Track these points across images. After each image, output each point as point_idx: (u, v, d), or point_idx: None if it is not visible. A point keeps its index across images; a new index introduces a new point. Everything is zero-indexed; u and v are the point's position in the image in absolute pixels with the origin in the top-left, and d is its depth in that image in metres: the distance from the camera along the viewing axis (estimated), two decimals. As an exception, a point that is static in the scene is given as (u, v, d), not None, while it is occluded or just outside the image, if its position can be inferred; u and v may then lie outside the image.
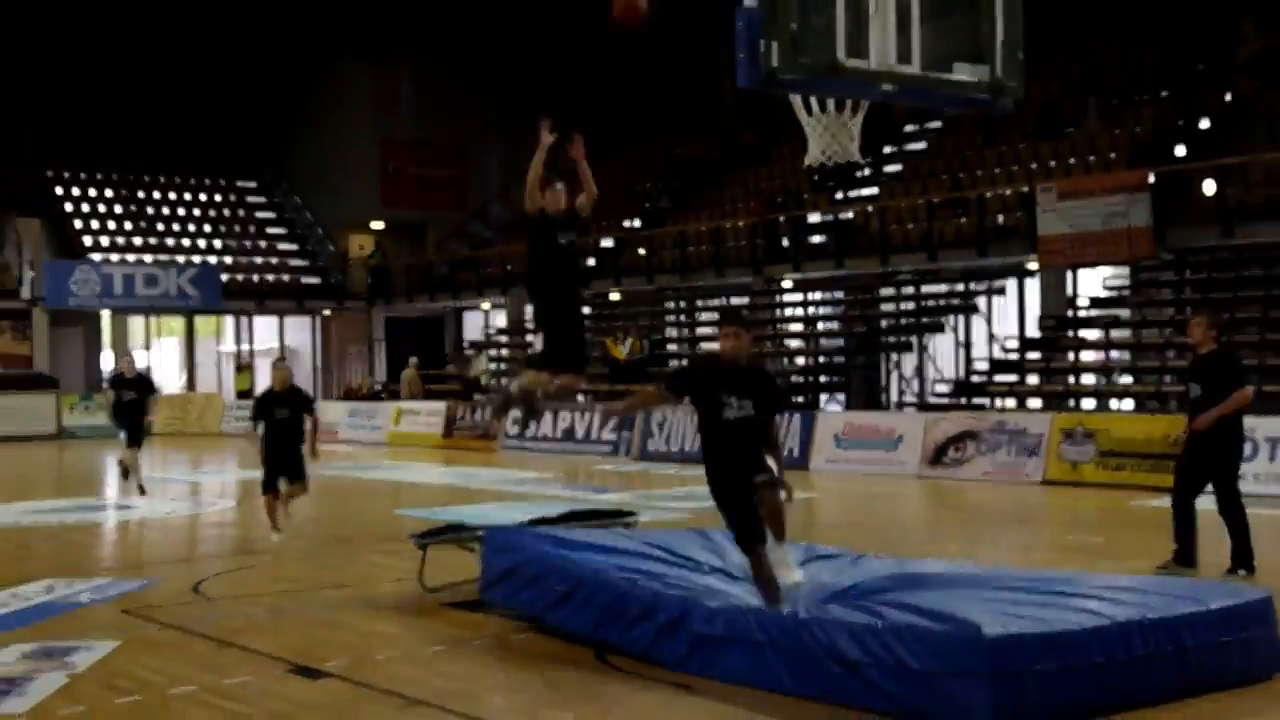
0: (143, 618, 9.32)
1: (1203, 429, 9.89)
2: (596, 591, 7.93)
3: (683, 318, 30.32)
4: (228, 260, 38.06)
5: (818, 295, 27.80)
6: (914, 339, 24.44)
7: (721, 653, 7.13)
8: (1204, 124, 23.68)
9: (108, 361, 36.32)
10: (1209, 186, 21.71)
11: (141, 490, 18.10)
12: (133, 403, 18.07)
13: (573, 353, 9.93)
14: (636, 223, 33.92)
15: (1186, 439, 10.19)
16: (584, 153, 10.02)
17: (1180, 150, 23.32)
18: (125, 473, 18.28)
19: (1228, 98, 23.72)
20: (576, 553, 8.52)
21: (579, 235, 10.56)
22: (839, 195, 29.03)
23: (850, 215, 27.21)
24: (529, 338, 10.12)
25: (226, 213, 40.80)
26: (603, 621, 7.81)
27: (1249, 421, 16.32)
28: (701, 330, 29.60)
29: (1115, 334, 21.48)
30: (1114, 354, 21.90)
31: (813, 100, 9.35)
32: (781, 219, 28.02)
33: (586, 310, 32.51)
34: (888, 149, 29.71)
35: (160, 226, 38.78)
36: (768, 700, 6.74)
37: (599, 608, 7.86)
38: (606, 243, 33.64)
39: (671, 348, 29.04)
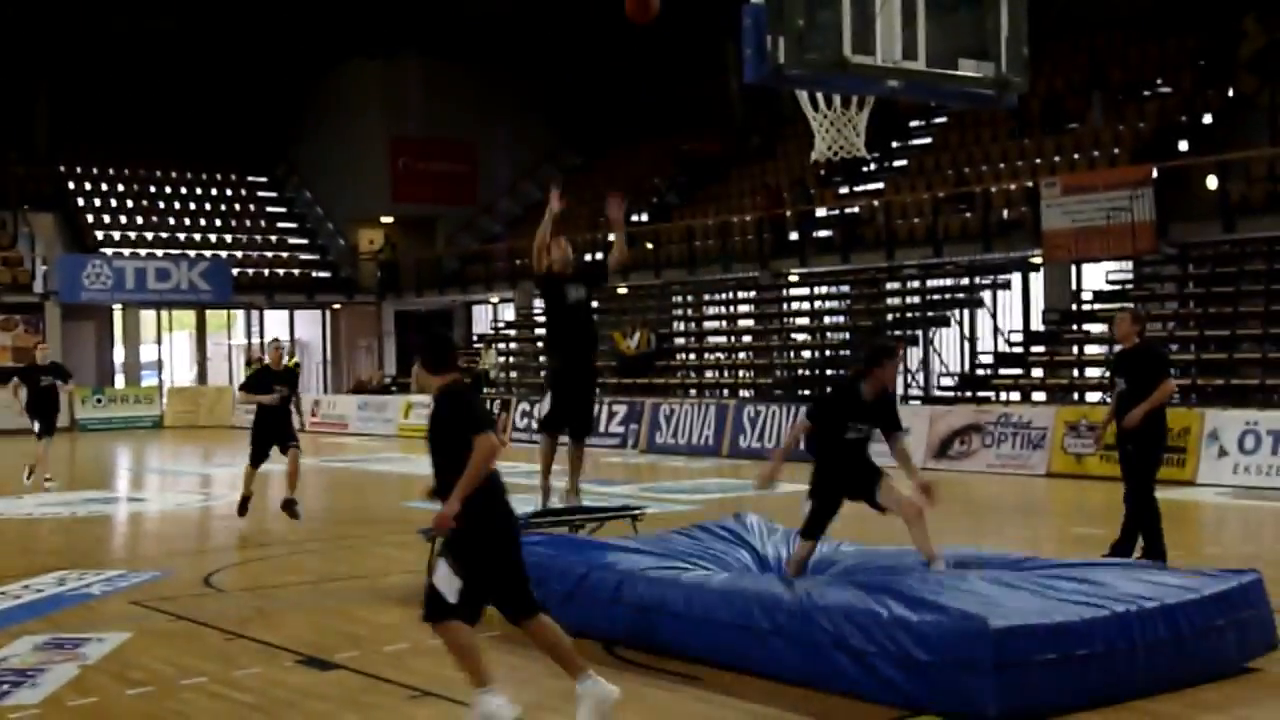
0: (153, 609, 9.45)
1: (1132, 426, 9.98)
2: (598, 588, 8.02)
3: (690, 311, 30.41)
4: (238, 254, 38.22)
5: (824, 289, 27.88)
6: (919, 333, 24.52)
7: (728, 639, 7.24)
8: (1206, 119, 23.74)
9: (120, 354, 36.52)
10: (1211, 182, 21.78)
11: (44, 487, 17.30)
12: (47, 389, 17.57)
13: (576, 418, 10.12)
14: (644, 217, 34.02)
15: (1117, 434, 10.33)
16: (621, 212, 10.20)
17: (1183, 145, 23.39)
18: (30, 471, 17.39)
19: (1230, 93, 23.77)
20: (579, 553, 8.58)
21: (597, 287, 10.60)
22: (845, 190, 29.11)
23: (856, 210, 27.30)
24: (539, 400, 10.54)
25: (237, 207, 40.94)
26: (606, 615, 7.91)
27: (1253, 415, 16.60)
28: (708, 324, 29.68)
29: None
30: (1116, 347, 21.95)
31: (819, 96, 9.44)
32: (788, 213, 28.10)
33: (595, 304, 32.78)
34: (894, 144, 29.78)
35: (172, 221, 38.93)
36: (774, 690, 6.84)
37: (602, 603, 7.94)
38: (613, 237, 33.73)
39: (679, 341, 29.13)
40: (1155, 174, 21.51)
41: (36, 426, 17.47)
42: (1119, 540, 10.22)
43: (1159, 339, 19.50)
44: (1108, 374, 11.08)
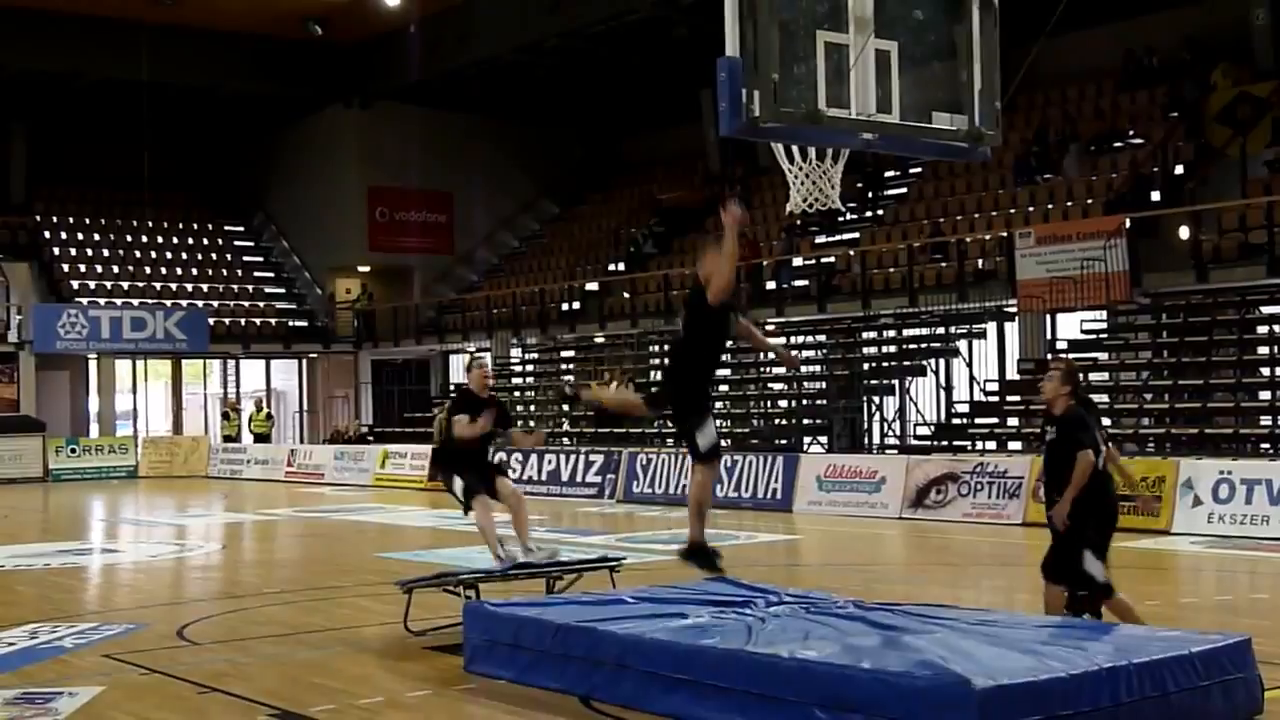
0: (126, 662, 9.36)
1: (1059, 524, 9.01)
2: (573, 646, 7.94)
3: (666, 361, 30.45)
4: (215, 304, 38.14)
5: (800, 338, 27.97)
6: (896, 381, 24.59)
7: (701, 698, 7.16)
8: (1178, 170, 24.01)
9: (95, 404, 36.34)
10: (1184, 232, 22.03)
11: None
12: None
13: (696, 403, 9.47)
14: (620, 266, 34.13)
15: (1045, 485, 9.67)
16: (737, 221, 8.97)
17: (1155, 196, 23.64)
18: None
19: (1201, 145, 24.06)
20: (553, 612, 8.47)
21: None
22: (821, 239, 29.28)
23: (832, 259, 27.45)
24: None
25: (214, 256, 40.90)
26: (583, 674, 7.84)
27: (1227, 464, 16.68)
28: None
29: (1093, 377, 21.65)
30: (1092, 397, 22.07)
31: (794, 148, 9.51)
32: (764, 263, 28.24)
33: (571, 353, 32.85)
34: (869, 194, 30.00)
35: (148, 270, 38.86)
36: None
37: (578, 661, 7.88)
38: (591, 286, 33.83)
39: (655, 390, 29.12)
40: (1128, 224, 21.74)
41: None
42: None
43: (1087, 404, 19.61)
44: (1041, 424, 10.64)
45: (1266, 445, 18.65)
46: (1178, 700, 6.72)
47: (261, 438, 34.40)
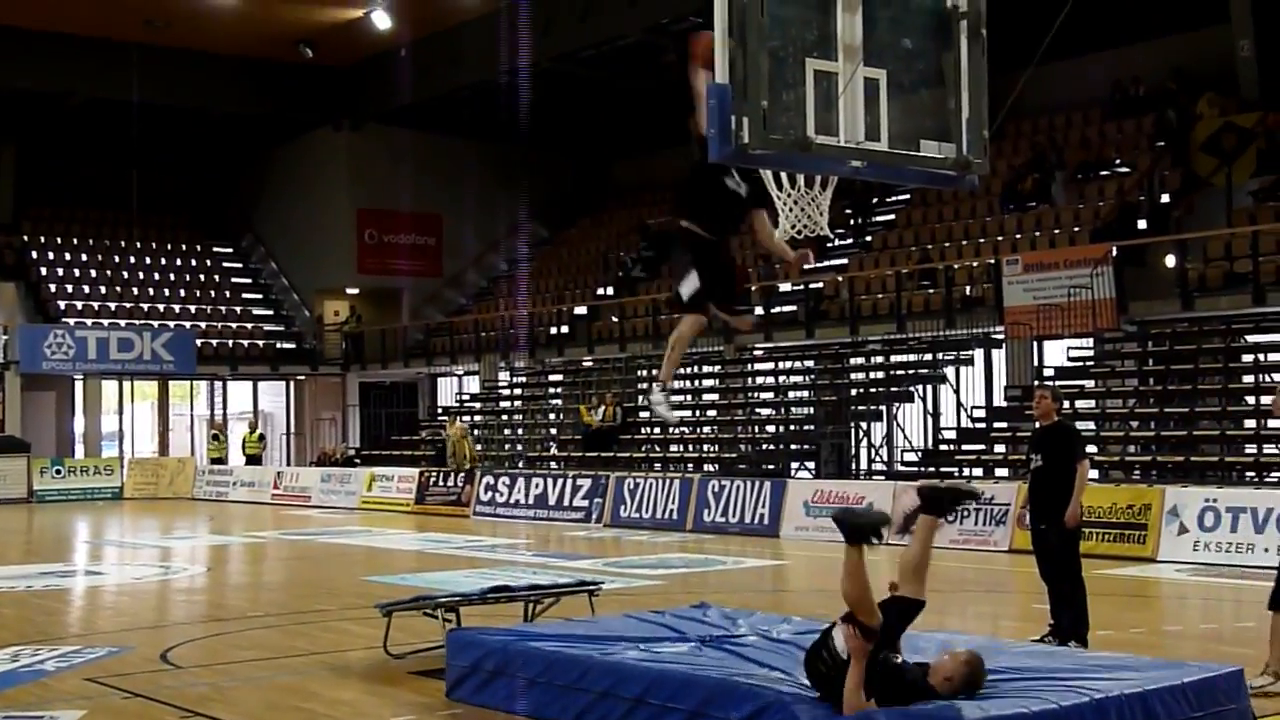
0: (109, 686, 9.31)
1: (1074, 524, 10.32)
2: (559, 674, 7.91)
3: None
4: (202, 325, 38.07)
5: (788, 364, 28.01)
6: (883, 407, 24.63)
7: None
8: (1164, 199, 24.14)
9: (80, 425, 36.24)
10: (1170, 261, 22.13)
11: None
12: None
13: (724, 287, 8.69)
14: (609, 290, 34.16)
15: (1031, 513, 10.70)
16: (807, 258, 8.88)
17: (1142, 225, 23.75)
18: None
19: (1187, 174, 24.19)
20: (537, 641, 8.44)
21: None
22: (809, 265, 29.31)
23: (820, 285, 27.51)
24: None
25: (202, 277, 40.85)
26: (569, 702, 7.80)
27: (1213, 492, 16.72)
28: (673, 398, 29.68)
29: (1080, 404, 21.71)
30: (1078, 423, 22.14)
31: (783, 175, 9.55)
32: (753, 288, 28.26)
33: (559, 377, 32.86)
34: (858, 221, 30.09)
35: (135, 291, 38.79)
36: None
37: (563, 689, 7.84)
38: (580, 310, 33.86)
39: (644, 415, 29.14)
40: (1114, 252, 21.83)
41: None
42: (1054, 623, 10.25)
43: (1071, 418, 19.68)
44: (1026, 451, 11.25)
45: (1252, 473, 18.69)
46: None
47: (253, 459, 34.31)
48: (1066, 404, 21.65)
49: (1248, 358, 20.71)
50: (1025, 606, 13.33)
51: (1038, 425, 10.85)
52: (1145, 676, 7.00)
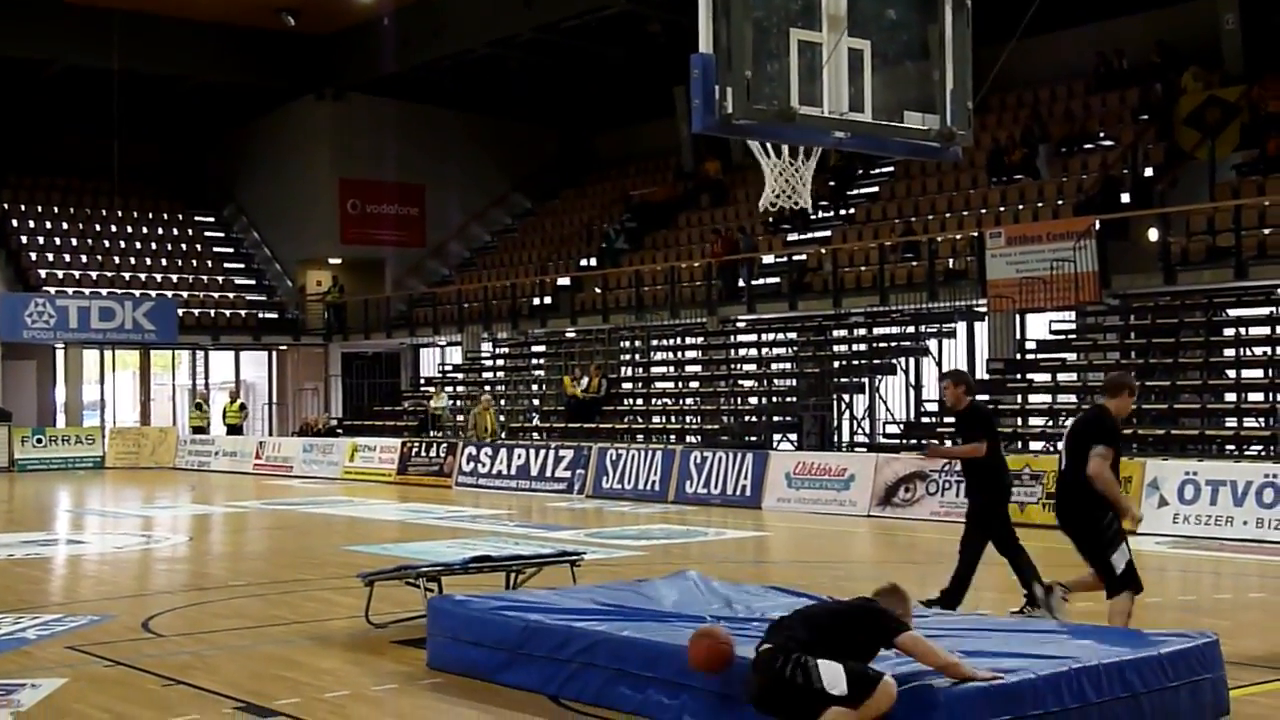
0: (90, 654, 9.31)
1: (931, 457, 11.73)
2: (540, 644, 7.92)
3: (638, 356, 30.48)
4: (184, 294, 37.92)
5: (771, 336, 28.03)
6: (866, 380, 24.67)
7: (672, 695, 7.15)
8: (1148, 173, 24.16)
9: (61, 394, 36.12)
10: (1153, 234, 22.17)
11: None
12: None
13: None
14: (592, 261, 34.12)
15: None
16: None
17: (1125, 198, 23.77)
18: None
19: (1170, 147, 24.21)
20: (519, 611, 8.41)
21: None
22: (793, 237, 29.34)
23: (804, 257, 27.50)
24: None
25: (184, 247, 40.66)
26: (550, 671, 7.83)
27: (1193, 465, 16.81)
28: (655, 370, 29.75)
29: (1062, 377, 21.78)
30: (1060, 396, 22.22)
31: (769, 145, 9.53)
32: (739, 260, 28.28)
33: (542, 348, 32.85)
34: (840, 193, 30.07)
35: (117, 260, 38.60)
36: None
37: (544, 659, 7.86)
38: (563, 281, 33.81)
39: (627, 386, 29.17)
40: (1098, 226, 21.86)
41: None
42: (1028, 594, 10.33)
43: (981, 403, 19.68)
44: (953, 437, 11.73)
45: (1232, 447, 18.80)
46: (1146, 701, 6.73)
47: (234, 429, 34.24)
48: (1048, 377, 21.85)
49: (1229, 331, 20.78)
50: (1004, 579, 13.37)
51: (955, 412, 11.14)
52: (1122, 647, 7.03)
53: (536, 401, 30.61)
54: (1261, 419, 18.86)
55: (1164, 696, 6.83)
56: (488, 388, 31.40)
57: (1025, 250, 22.25)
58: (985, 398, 22.48)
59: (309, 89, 38.51)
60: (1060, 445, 8.99)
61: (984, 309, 23.55)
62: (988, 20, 10.21)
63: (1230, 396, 19.63)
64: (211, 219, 42.41)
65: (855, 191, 30.35)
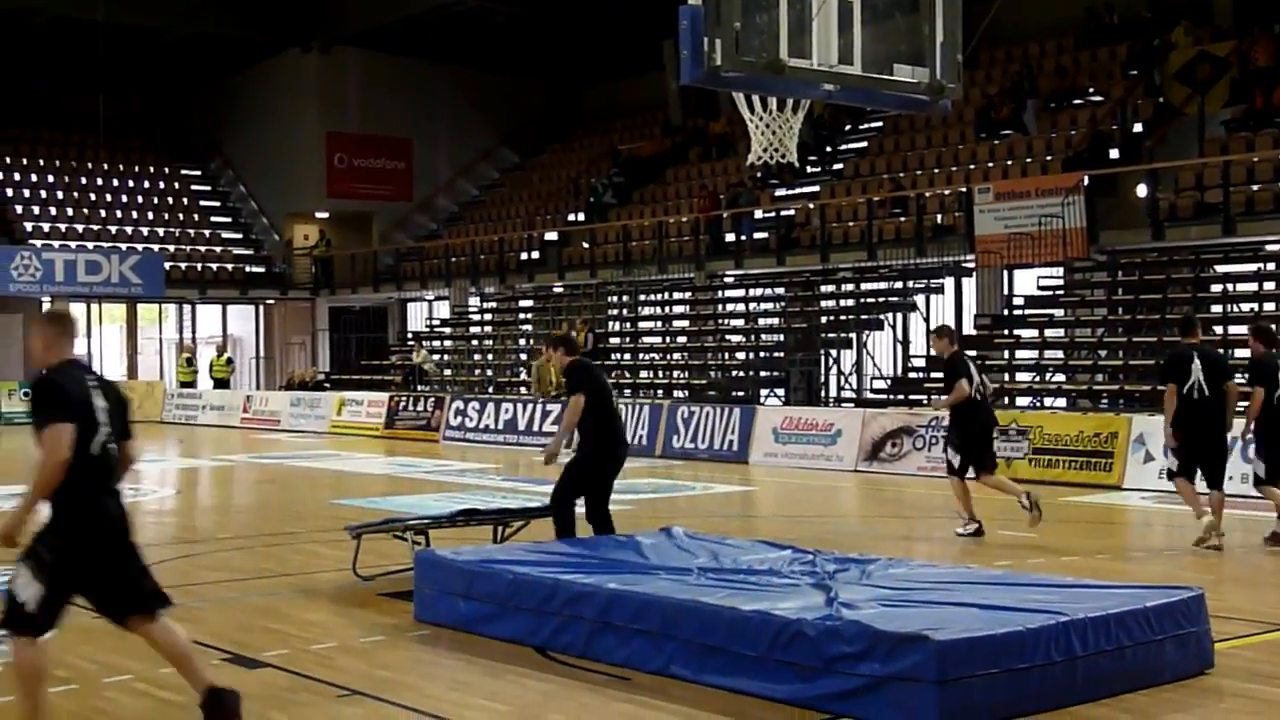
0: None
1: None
2: (527, 597, 7.93)
3: (625, 311, 30.45)
4: (170, 248, 37.76)
5: (759, 291, 28.02)
6: (853, 335, 24.69)
7: (657, 648, 7.19)
8: (1137, 128, 24.11)
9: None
10: (1141, 190, 22.15)
11: None
12: None
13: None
14: (579, 216, 34.02)
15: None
16: None
17: (1114, 154, 23.73)
18: None
19: (1159, 103, 24.15)
20: (505, 564, 8.41)
21: None
22: (781, 193, 29.27)
23: (791, 212, 27.46)
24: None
25: (170, 200, 40.47)
26: (536, 624, 7.85)
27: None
28: (643, 325, 29.72)
29: (1049, 333, 21.81)
30: (1048, 352, 22.27)
31: (755, 99, 9.48)
32: (724, 215, 28.22)
33: (529, 303, 32.78)
34: (829, 148, 29.99)
35: (103, 213, 38.41)
36: (704, 694, 6.81)
37: (531, 612, 7.88)
38: (551, 235, 33.72)
39: (614, 341, 29.15)
40: (1086, 181, 21.83)
41: None
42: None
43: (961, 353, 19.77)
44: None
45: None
46: (1132, 654, 6.80)
47: (221, 383, 34.18)
48: (1036, 333, 21.88)
49: (1216, 288, 20.81)
50: (992, 533, 13.47)
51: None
52: (1108, 600, 7.07)
53: (524, 356, 30.60)
54: (1247, 375, 18.86)
55: (1149, 650, 6.89)
56: (547, 346, 31.05)
57: (1013, 206, 22.24)
58: (973, 353, 22.55)
59: (295, 42, 38.23)
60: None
61: (972, 265, 23.56)
62: (978, -27, 10.15)
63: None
64: (198, 172, 42.19)
65: (844, 146, 30.28)
